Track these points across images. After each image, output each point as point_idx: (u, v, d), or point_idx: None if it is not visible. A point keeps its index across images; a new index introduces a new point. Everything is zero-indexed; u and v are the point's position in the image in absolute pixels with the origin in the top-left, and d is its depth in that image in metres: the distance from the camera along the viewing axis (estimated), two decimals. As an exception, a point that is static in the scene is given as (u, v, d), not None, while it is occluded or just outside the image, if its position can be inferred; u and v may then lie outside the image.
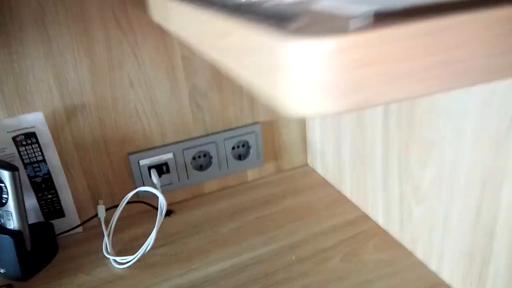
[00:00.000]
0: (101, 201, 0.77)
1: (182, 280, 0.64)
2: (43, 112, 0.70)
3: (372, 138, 0.66)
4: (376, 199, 0.70)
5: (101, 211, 0.77)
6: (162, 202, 0.70)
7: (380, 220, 0.70)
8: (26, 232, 0.68)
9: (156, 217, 0.81)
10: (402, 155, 0.60)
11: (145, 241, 0.74)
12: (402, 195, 0.62)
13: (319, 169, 0.89)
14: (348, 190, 0.79)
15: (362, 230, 0.70)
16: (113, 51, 0.70)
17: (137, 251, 0.71)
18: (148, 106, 0.76)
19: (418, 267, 0.60)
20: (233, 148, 0.85)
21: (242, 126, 0.84)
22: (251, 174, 0.90)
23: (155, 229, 0.68)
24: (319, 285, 0.59)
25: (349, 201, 0.78)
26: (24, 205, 0.67)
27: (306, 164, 0.94)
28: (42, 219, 0.76)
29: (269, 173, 0.91)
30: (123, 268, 0.68)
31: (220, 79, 0.79)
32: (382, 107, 0.62)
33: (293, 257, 0.65)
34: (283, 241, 0.70)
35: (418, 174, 0.57)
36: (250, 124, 0.85)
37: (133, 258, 0.68)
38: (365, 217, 0.73)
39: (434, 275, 0.59)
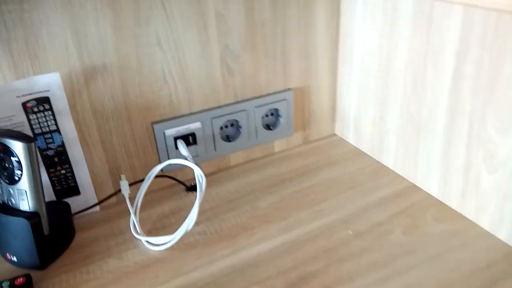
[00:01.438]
0: (123, 176, 0.69)
1: (232, 261, 0.57)
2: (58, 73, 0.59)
3: (434, 104, 0.62)
4: (430, 169, 0.66)
5: (125, 187, 0.68)
6: (200, 175, 0.63)
7: (434, 191, 0.67)
8: (44, 213, 0.58)
9: (181, 192, 0.73)
10: (475, 120, 0.56)
11: (176, 219, 0.67)
12: (468, 164, 0.59)
13: (351, 138, 0.84)
14: (391, 160, 0.75)
15: (415, 201, 0.66)
16: (141, 3, 0.61)
17: (169, 231, 0.63)
18: (176, 68, 0.67)
19: (486, 237, 0.58)
20: (263, 117, 0.78)
21: (274, 93, 0.77)
22: (278, 145, 0.84)
23: (196, 205, 0.61)
24: (386, 260, 0.55)
25: (393, 172, 0.74)
26: (41, 182, 0.57)
27: (334, 134, 0.89)
28: (53, 197, 0.67)
29: (297, 144, 0.86)
30: (160, 250, 0.61)
31: (254, 39, 0.71)
32: (451, 71, 0.57)
33: (350, 232, 0.61)
34: (332, 214, 0.65)
35: (495, 140, 0.53)
36: (282, 91, 0.78)
37: (172, 238, 0.60)
38: (415, 188, 0.69)
39: (505, 244, 0.56)
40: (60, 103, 0.61)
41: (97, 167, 0.68)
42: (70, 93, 0.62)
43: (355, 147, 0.83)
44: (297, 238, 0.61)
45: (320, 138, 0.88)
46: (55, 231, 0.60)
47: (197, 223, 0.65)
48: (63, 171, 0.66)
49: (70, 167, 0.66)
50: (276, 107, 0.78)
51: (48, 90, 0.59)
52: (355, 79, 0.78)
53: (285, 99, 0.78)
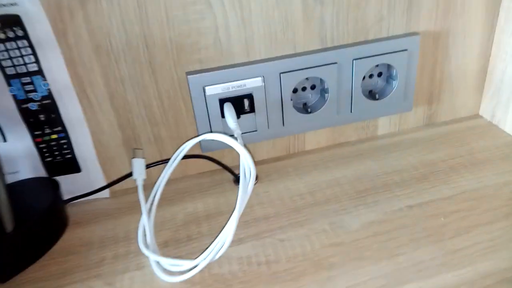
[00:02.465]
0: (139, 151, 0.46)
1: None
2: (32, -26, 0.36)
3: None
4: None
5: (138, 167, 0.45)
6: (249, 164, 0.37)
7: None
8: (3, 199, 0.37)
9: (226, 184, 0.48)
10: None
11: (211, 227, 0.42)
12: None
13: (510, 125, 0.51)
14: None
15: None
16: None
17: (196, 246, 0.39)
18: (228, -17, 0.41)
19: None
20: (364, 77, 0.49)
21: (388, 38, 0.47)
22: (385, 125, 0.54)
23: (236, 213, 0.35)
24: None
25: None
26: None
27: (479, 116, 0.56)
28: (43, 173, 0.46)
29: (416, 126, 0.55)
30: (174, 281, 0.36)
31: None
32: None
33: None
34: (483, 262, 0.35)
35: None
36: (402, 36, 0.47)
37: (195, 265, 0.36)
38: None
39: None
40: (39, 28, 0.38)
41: (105, 134, 0.46)
42: (55, 13, 0.39)
43: (518, 139, 0.51)
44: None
45: (456, 119, 0.55)
46: (27, 227, 0.39)
47: (240, 241, 0.40)
48: (54, 136, 0.44)
49: (64, 130, 0.44)
50: (388, 62, 0.48)
51: (15, 4, 0.37)
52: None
53: (405, 49, 0.47)
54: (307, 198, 0.44)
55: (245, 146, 0.39)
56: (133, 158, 0.45)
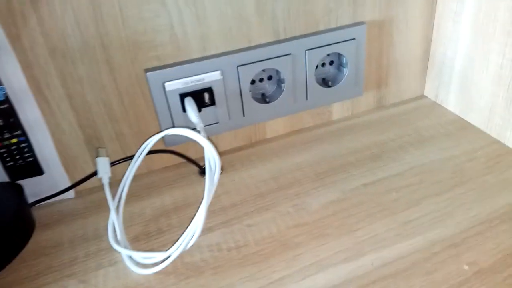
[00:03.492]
0: (102, 150, 0.46)
1: (258, 307, 0.34)
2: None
3: None
4: None
5: (103, 165, 0.45)
6: (213, 156, 0.39)
7: None
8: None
9: (192, 176, 0.50)
10: None
11: (180, 219, 0.43)
12: None
13: (452, 103, 0.56)
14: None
15: None
16: None
17: (167, 238, 0.41)
18: (181, -20, 0.41)
19: None
20: (317, 66, 0.52)
21: (337, 28, 0.50)
22: (338, 110, 0.57)
23: (204, 202, 0.37)
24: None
25: (529, 159, 0.46)
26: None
27: (424, 96, 0.60)
28: (5, 178, 0.45)
29: (367, 109, 0.58)
30: (148, 273, 0.38)
31: None
32: None
33: (465, 267, 0.35)
34: (431, 231, 0.39)
35: None
36: (350, 25, 0.50)
37: (168, 256, 0.37)
38: None
39: None
40: (-10, 32, 0.38)
41: (66, 134, 0.46)
42: (8, 17, 0.38)
43: (459, 117, 0.55)
44: (372, 272, 0.36)
45: (403, 101, 0.60)
46: (-7, 232, 0.39)
47: (209, 230, 0.42)
48: (14, 140, 0.44)
49: (24, 133, 0.44)
50: (338, 51, 0.51)
51: (-35, 9, 0.36)
52: (469, 5, 0.49)
53: (353, 38, 0.50)
54: (270, 184, 0.47)
55: (208, 138, 0.40)
56: (97, 157, 0.45)
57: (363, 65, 0.53)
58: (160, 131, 0.44)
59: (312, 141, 0.53)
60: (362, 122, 0.56)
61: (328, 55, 0.51)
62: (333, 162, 0.49)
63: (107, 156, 0.46)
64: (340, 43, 0.50)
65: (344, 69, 0.52)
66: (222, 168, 0.50)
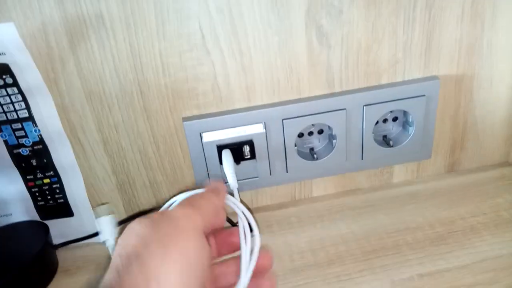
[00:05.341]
0: (102, 208, 0.44)
1: None
2: (16, 24, 0.35)
3: None
4: None
5: (107, 226, 0.42)
6: (247, 218, 0.32)
7: None
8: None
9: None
10: None
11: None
12: None
13: (543, 179, 0.46)
14: None
15: None
16: None
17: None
18: (226, 29, 0.38)
19: None
20: (378, 122, 0.45)
21: (403, 83, 0.43)
22: (400, 173, 0.49)
23: (243, 274, 0.29)
24: None
25: None
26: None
27: (507, 163, 0.51)
28: (36, 216, 0.45)
29: (436, 174, 0.50)
30: None
31: (375, -21, 0.38)
32: None
33: None
34: None
35: None
36: (420, 80, 0.43)
37: None
38: None
39: None
40: (28, 75, 0.37)
41: (99, 179, 0.44)
42: (46, 61, 0.37)
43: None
44: None
45: (482, 167, 0.50)
46: (12, 275, 0.38)
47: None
48: (46, 180, 0.43)
49: (57, 174, 0.43)
50: (404, 108, 0.44)
51: (4, 53, 0.36)
52: None
53: (422, 95, 0.43)
54: (307, 257, 0.41)
55: (242, 202, 0.35)
56: (98, 217, 0.42)
57: (433, 125, 0.45)
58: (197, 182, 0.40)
59: (364, 207, 0.46)
60: (428, 189, 0.48)
61: (391, 111, 0.45)
62: (386, 239, 0.42)
63: (112, 213, 0.43)
64: (407, 99, 0.43)
65: (410, 128, 0.45)
66: (251, 230, 0.45)
